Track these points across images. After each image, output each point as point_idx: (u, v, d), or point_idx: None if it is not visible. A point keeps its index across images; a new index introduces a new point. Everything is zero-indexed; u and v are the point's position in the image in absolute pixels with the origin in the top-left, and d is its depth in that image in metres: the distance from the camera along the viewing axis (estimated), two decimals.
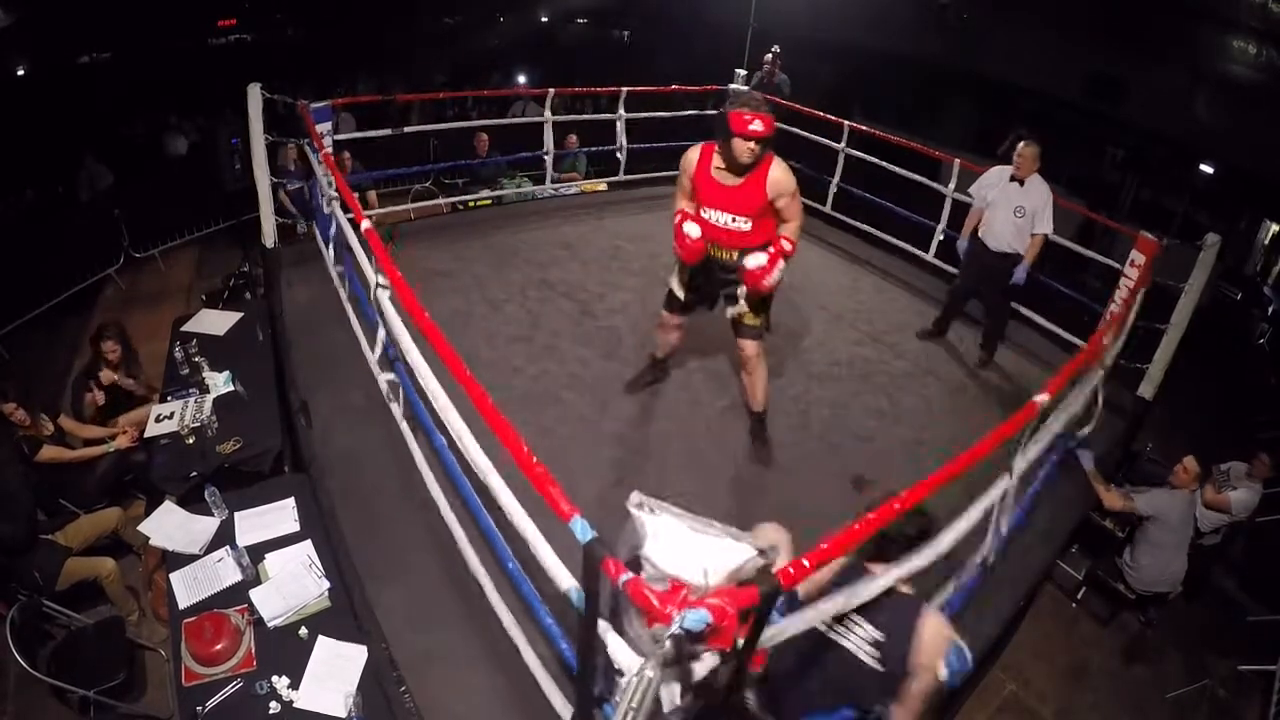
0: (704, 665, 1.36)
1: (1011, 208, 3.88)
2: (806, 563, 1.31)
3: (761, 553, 1.34)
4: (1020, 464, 2.22)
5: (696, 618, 1.07)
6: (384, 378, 2.88)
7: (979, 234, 4.07)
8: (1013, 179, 3.94)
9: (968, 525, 2.01)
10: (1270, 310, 7.79)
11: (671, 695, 1.26)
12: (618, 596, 1.42)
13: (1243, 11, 6.92)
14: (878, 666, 1.73)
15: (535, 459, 1.44)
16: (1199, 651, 3.85)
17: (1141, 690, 3.62)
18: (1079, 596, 3.90)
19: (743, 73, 6.24)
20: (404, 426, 2.75)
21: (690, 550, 1.28)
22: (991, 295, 4.13)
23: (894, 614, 1.75)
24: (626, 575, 1.17)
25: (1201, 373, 3.46)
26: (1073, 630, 3.81)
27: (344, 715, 2.09)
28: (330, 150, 4.05)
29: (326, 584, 2.46)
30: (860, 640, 1.76)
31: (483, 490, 2.07)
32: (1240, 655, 3.77)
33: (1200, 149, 7.78)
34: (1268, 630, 3.89)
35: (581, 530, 1.26)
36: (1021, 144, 3.92)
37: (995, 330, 4.21)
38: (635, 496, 1.42)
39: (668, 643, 1.13)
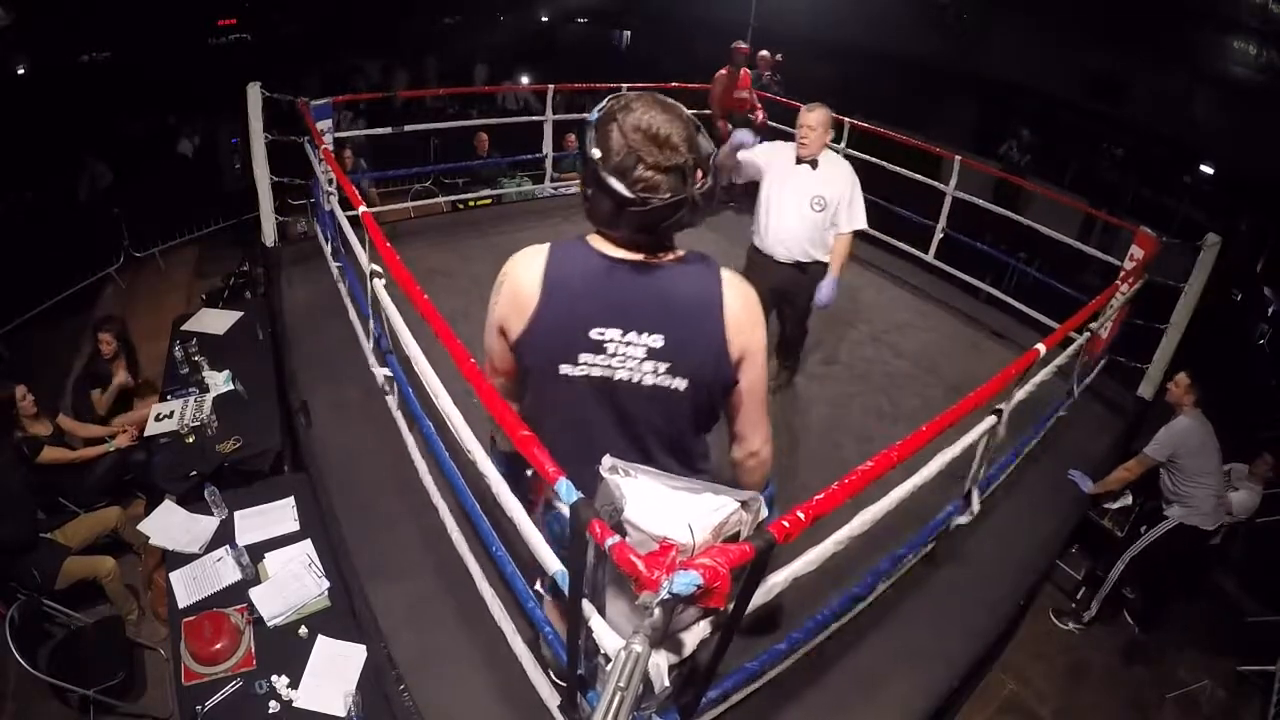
0: (694, 636, 1.34)
1: (806, 200, 2.97)
2: (801, 515, 1.28)
3: (744, 504, 1.25)
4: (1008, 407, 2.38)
5: (686, 580, 1.02)
6: (379, 371, 2.88)
7: (756, 242, 3.15)
8: (800, 160, 2.99)
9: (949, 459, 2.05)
10: (1270, 311, 7.79)
11: (660, 675, 1.23)
12: (599, 573, 1.40)
13: (1243, 12, 6.91)
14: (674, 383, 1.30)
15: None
16: (1199, 651, 3.85)
17: (1141, 690, 3.62)
18: (1079, 596, 3.90)
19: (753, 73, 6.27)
20: (398, 417, 2.75)
21: (673, 508, 1.20)
22: (794, 318, 3.33)
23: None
24: (613, 539, 1.13)
25: (1202, 373, 3.44)
26: (1073, 631, 3.80)
27: (343, 714, 2.09)
28: (330, 146, 4.06)
29: (326, 583, 2.46)
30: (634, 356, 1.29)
31: (478, 490, 2.10)
32: (1240, 655, 3.77)
33: (1200, 149, 7.78)
34: (1268, 630, 3.88)
35: (567, 491, 1.23)
36: (804, 109, 2.97)
37: (793, 350, 3.56)
38: (608, 460, 1.32)
39: (656, 611, 1.08)
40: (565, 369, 1.27)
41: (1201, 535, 3.46)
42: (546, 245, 1.29)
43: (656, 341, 1.24)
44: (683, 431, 1.37)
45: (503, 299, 1.31)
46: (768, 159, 3.03)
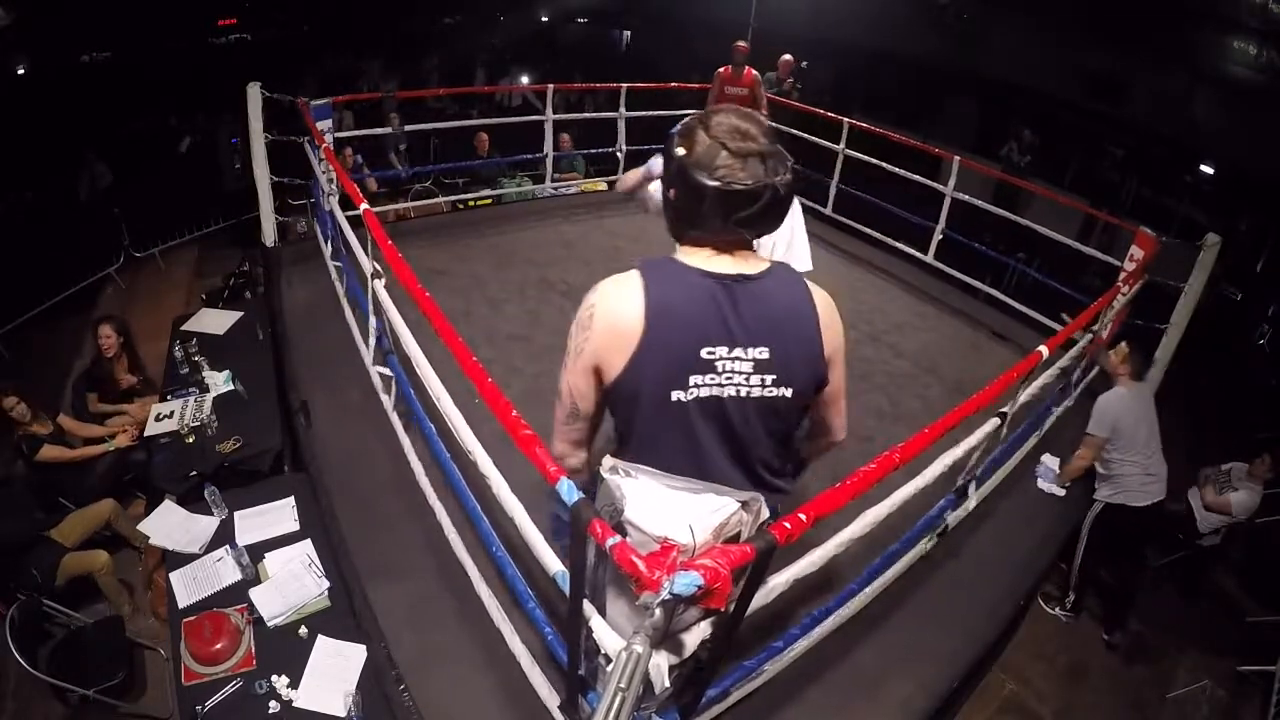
0: (694, 637, 1.34)
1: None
2: (803, 516, 1.28)
3: (745, 505, 1.26)
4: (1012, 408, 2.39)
5: (686, 581, 1.02)
6: (379, 371, 2.88)
7: None
8: None
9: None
10: (1270, 311, 7.78)
11: (661, 676, 1.23)
12: (600, 573, 1.41)
13: (1243, 12, 6.91)
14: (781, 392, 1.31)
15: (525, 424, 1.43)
16: (1199, 651, 3.85)
17: (1141, 690, 3.62)
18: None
19: (771, 75, 6.31)
20: (394, 419, 2.75)
21: (673, 508, 1.21)
22: None
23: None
24: (614, 539, 1.13)
25: (1202, 373, 3.42)
26: (1073, 630, 3.80)
27: (343, 714, 2.09)
28: (330, 145, 4.06)
29: (326, 583, 2.46)
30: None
31: (478, 489, 2.10)
32: (1240, 655, 3.76)
33: (1200, 149, 7.78)
34: (1268, 630, 3.88)
35: (568, 491, 1.23)
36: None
37: None
38: (609, 461, 1.34)
39: (657, 611, 1.08)
40: (677, 395, 1.25)
41: (1139, 512, 3.32)
42: (634, 272, 1.26)
43: (762, 354, 1.25)
44: (784, 440, 1.38)
45: (597, 335, 1.26)
46: None
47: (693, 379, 1.24)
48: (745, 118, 1.23)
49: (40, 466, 3.38)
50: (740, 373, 1.25)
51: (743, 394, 1.26)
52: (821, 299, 1.31)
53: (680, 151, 1.23)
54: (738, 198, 1.19)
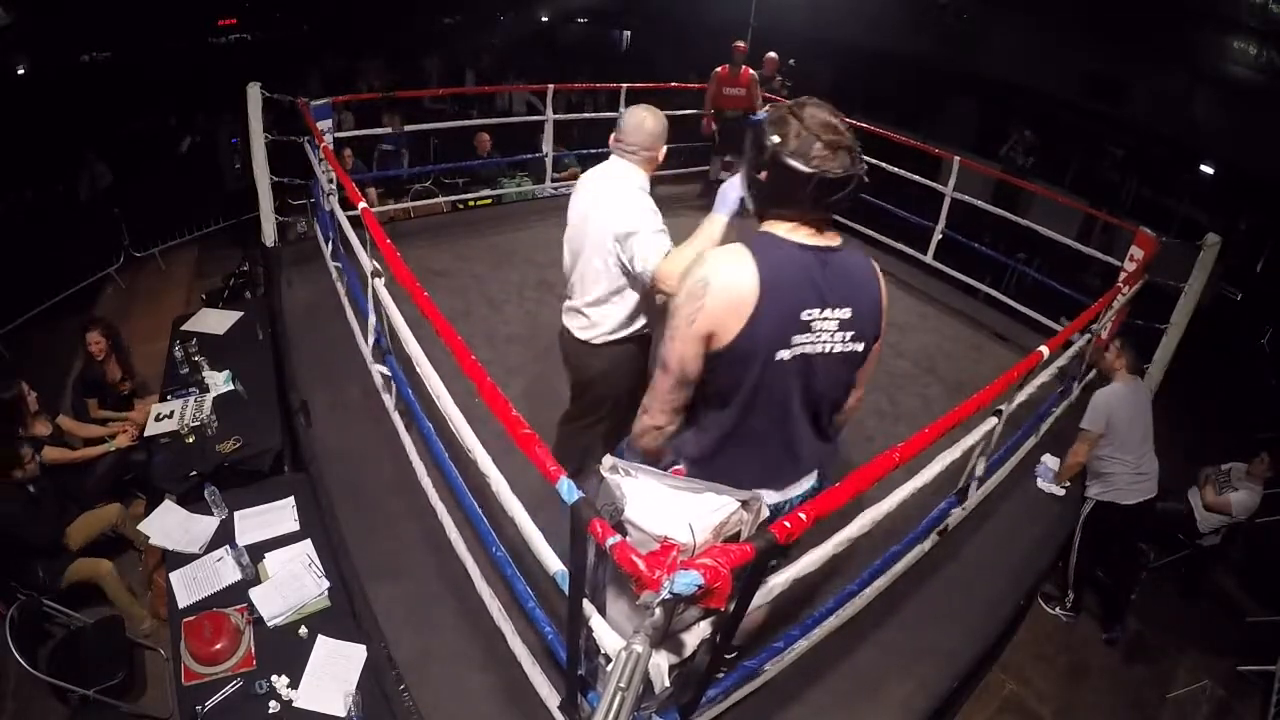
0: (694, 636, 1.34)
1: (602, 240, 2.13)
2: (803, 516, 1.28)
3: (745, 504, 1.29)
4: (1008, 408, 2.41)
5: (686, 580, 1.03)
6: (377, 370, 2.88)
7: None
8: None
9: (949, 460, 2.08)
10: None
11: (661, 675, 1.23)
12: (600, 573, 1.41)
13: (1243, 12, 6.91)
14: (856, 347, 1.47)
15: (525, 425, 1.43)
16: (1199, 651, 3.85)
17: (1141, 690, 3.62)
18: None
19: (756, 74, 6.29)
20: (395, 418, 2.75)
21: (673, 508, 1.23)
22: None
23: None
24: (614, 538, 1.14)
25: (1201, 373, 3.41)
26: (1073, 630, 3.80)
27: (343, 714, 2.09)
28: (330, 145, 4.06)
29: (326, 583, 2.46)
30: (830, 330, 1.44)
31: (478, 489, 2.10)
32: (1240, 655, 3.76)
33: (1200, 149, 7.78)
34: (1268, 630, 3.88)
35: (568, 491, 1.24)
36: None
37: None
38: (609, 460, 1.37)
39: (657, 610, 1.08)
40: (782, 354, 1.38)
41: (1129, 510, 3.30)
42: (739, 245, 1.39)
43: (846, 313, 1.40)
44: (844, 391, 1.56)
45: (713, 305, 1.35)
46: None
47: (795, 339, 1.38)
48: (832, 113, 1.38)
49: (43, 468, 3.38)
50: (828, 330, 1.40)
51: (828, 350, 1.42)
52: (878, 269, 1.50)
53: (775, 139, 1.35)
54: (832, 185, 1.34)
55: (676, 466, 1.55)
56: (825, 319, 1.38)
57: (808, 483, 1.61)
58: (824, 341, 1.40)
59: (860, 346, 1.45)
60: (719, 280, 1.35)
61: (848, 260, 1.43)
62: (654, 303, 2.17)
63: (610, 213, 2.08)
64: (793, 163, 1.33)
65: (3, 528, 2.98)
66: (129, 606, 3.23)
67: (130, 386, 4.13)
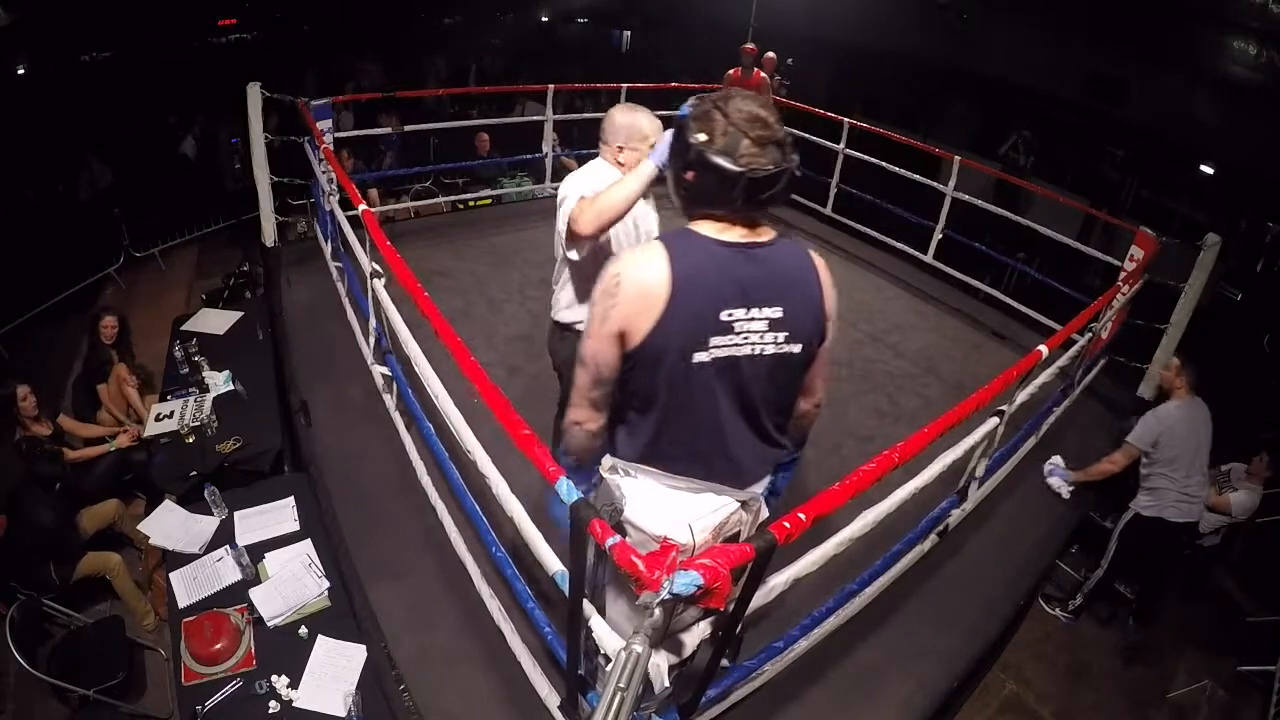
0: (694, 637, 1.34)
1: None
2: (803, 516, 1.28)
3: (744, 505, 1.28)
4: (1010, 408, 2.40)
5: (686, 581, 1.03)
6: (378, 370, 2.88)
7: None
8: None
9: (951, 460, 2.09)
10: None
11: (660, 675, 1.23)
12: (599, 573, 1.41)
13: (1243, 12, 6.90)
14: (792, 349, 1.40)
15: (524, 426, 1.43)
16: (1199, 651, 3.85)
17: (1141, 690, 3.61)
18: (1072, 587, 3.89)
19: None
20: (395, 418, 2.75)
21: (673, 508, 1.22)
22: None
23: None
24: (613, 538, 1.14)
25: (1201, 373, 3.41)
26: (1073, 630, 3.80)
27: (343, 714, 2.09)
28: (330, 145, 4.06)
29: (326, 583, 2.46)
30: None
31: (478, 489, 2.10)
32: (1240, 655, 3.76)
33: (1200, 149, 7.77)
34: (1268, 630, 3.88)
35: (568, 491, 1.24)
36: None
37: None
38: (608, 460, 1.36)
39: (657, 611, 1.08)
40: (698, 356, 1.31)
41: (1171, 528, 3.29)
42: (656, 242, 1.34)
43: (776, 313, 1.33)
44: (788, 395, 1.47)
45: (625, 302, 1.31)
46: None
47: (713, 340, 1.31)
48: (761, 104, 1.30)
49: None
50: (755, 331, 1.32)
51: (757, 352, 1.34)
52: (820, 263, 1.42)
53: (700, 137, 1.29)
54: (763, 182, 1.28)
55: None
56: (751, 319, 1.31)
57: (758, 488, 1.51)
58: (751, 343, 1.32)
59: (797, 348, 1.36)
60: (629, 277, 1.31)
61: (779, 256, 1.35)
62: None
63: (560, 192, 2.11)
64: (719, 161, 1.26)
65: (30, 526, 3.00)
66: (135, 601, 3.23)
67: (138, 382, 4.12)
